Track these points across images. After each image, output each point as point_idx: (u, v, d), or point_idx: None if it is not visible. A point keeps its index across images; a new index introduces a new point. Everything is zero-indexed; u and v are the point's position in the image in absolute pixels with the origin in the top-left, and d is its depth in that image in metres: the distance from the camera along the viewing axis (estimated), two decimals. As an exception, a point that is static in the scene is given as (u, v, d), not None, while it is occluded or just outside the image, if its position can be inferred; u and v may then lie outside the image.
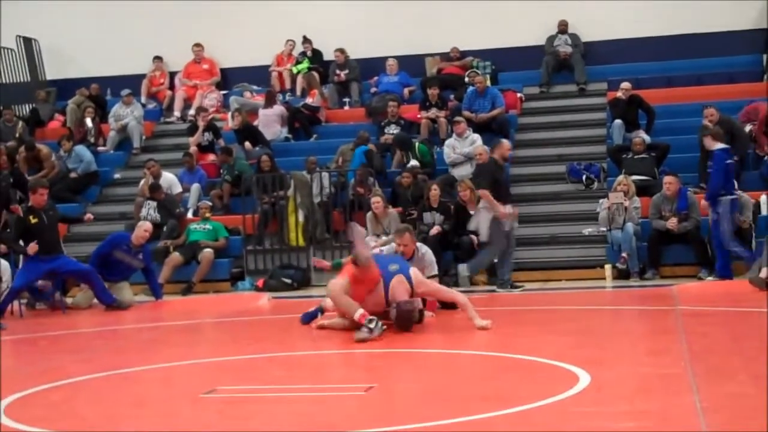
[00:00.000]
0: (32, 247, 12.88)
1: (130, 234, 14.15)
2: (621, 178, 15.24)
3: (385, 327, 9.45)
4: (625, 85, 17.49)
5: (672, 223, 14.41)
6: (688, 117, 17.33)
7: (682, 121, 17.45)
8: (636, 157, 16.13)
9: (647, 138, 16.71)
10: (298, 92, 20.47)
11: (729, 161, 13.79)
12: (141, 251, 13.99)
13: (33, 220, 13.06)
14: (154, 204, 16.64)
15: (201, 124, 18.93)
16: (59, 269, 13.32)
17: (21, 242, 13.11)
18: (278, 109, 19.60)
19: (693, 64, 19.30)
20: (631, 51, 19.87)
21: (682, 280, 13.89)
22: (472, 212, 14.68)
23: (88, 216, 14.41)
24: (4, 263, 13.45)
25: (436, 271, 11.19)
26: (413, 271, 10.02)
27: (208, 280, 15.90)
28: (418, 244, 11.36)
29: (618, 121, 17.18)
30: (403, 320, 9.69)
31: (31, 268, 13.08)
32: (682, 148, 16.40)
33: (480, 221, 13.88)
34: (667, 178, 14.78)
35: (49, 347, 10.56)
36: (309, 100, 19.78)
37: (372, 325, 9.29)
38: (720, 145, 13.87)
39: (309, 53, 20.92)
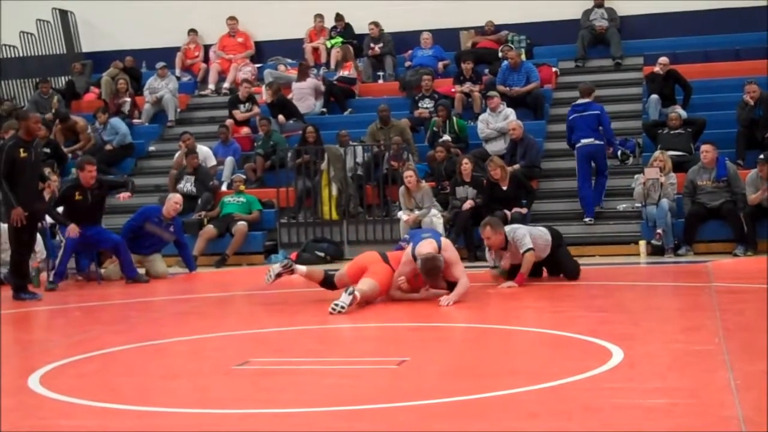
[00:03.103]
0: (72, 229, 12.90)
1: (161, 206, 14.22)
2: (657, 153, 15.12)
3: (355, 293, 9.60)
4: (663, 59, 17.31)
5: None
6: (725, 92, 17.21)
7: (718, 97, 17.31)
8: (672, 132, 16.01)
9: (683, 113, 16.56)
10: (333, 66, 20.43)
11: (572, 116, 15.56)
12: (172, 224, 14.05)
13: (78, 197, 13.05)
14: (192, 178, 16.67)
15: (243, 96, 19.01)
16: (92, 238, 13.33)
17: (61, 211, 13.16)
18: (311, 82, 19.58)
19: (730, 38, 19.10)
20: (668, 25, 19.69)
21: (717, 256, 13.80)
22: (504, 188, 14.64)
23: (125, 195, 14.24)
24: (38, 236, 13.51)
25: (526, 246, 10.90)
26: (444, 239, 10.32)
27: (242, 252, 15.95)
28: (508, 228, 11.12)
29: (654, 96, 17.03)
30: (429, 267, 9.80)
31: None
32: (719, 123, 16.26)
33: None
34: (704, 147, 14.67)
35: (84, 318, 10.66)
36: (345, 73, 19.76)
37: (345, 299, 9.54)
38: (579, 100, 15.68)
39: (340, 29, 20.85)
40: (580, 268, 11.70)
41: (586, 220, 15.40)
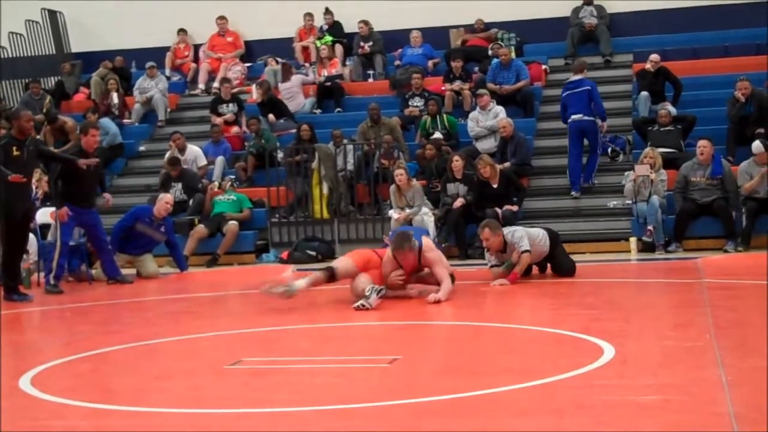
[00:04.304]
0: (63, 213, 12.51)
1: (152, 207, 14.20)
2: (647, 150, 15.14)
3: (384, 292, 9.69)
4: (654, 57, 17.31)
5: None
6: (714, 89, 17.22)
7: (708, 93, 17.34)
8: (662, 129, 16.03)
9: (673, 110, 16.59)
10: (322, 63, 20.38)
11: (565, 93, 16.06)
12: (163, 224, 14.04)
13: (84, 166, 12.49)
14: (178, 185, 16.60)
15: (225, 96, 18.98)
16: (87, 225, 13.09)
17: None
18: (297, 79, 19.59)
19: (719, 35, 19.12)
20: (657, 22, 19.73)
21: (707, 252, 13.83)
22: (495, 186, 14.64)
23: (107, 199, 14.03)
24: (31, 237, 13.45)
25: (523, 247, 10.91)
26: (425, 238, 10.31)
27: (233, 252, 15.93)
28: (506, 231, 11.09)
29: (644, 93, 17.06)
30: (397, 242, 9.92)
31: (67, 222, 12.77)
32: (709, 120, 16.30)
33: None
34: (701, 142, 14.68)
35: (76, 318, 10.64)
36: (333, 71, 19.75)
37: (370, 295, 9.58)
38: (571, 77, 16.24)
39: (329, 24, 20.80)
40: (575, 267, 11.72)
41: (573, 193, 15.94)
